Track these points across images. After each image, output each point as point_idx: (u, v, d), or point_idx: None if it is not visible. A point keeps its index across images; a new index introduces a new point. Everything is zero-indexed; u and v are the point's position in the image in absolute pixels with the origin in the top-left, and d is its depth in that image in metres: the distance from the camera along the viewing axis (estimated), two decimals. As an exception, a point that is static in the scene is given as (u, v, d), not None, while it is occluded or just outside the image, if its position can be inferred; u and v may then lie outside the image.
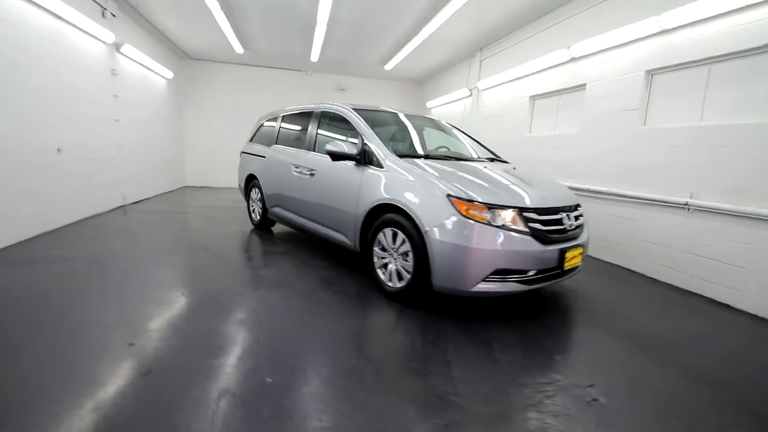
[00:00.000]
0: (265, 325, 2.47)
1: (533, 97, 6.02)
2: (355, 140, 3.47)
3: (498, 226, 2.54)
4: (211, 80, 9.79)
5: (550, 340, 2.55)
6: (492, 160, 3.90)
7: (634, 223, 4.16)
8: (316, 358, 2.11)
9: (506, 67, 6.55)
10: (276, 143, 4.82)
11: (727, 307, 3.30)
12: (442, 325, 2.62)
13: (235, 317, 2.55)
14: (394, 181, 2.99)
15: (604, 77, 4.61)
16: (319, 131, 4.08)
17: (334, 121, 4.03)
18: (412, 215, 2.73)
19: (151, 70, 7.39)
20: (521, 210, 2.63)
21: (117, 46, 5.88)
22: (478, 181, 2.84)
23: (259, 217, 5.21)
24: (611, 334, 2.68)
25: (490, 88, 7.13)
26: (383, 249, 3.08)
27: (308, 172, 3.94)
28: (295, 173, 4.16)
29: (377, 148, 3.26)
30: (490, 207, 2.57)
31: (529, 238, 2.60)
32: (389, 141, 4.19)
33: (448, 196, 2.63)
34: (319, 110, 4.17)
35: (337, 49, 8.00)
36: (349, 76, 10.43)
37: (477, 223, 2.53)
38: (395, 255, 2.96)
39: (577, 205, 3.11)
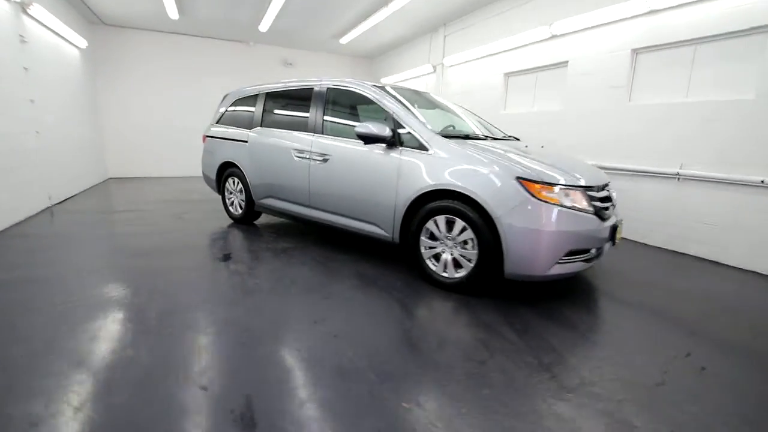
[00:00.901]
0: (348, 340, 2.17)
1: (508, 74, 6.12)
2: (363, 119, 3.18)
3: (569, 207, 2.51)
4: (133, 51, 8.27)
5: (616, 310, 2.64)
6: (501, 138, 3.86)
7: (624, 193, 4.51)
8: (430, 373, 1.90)
9: (476, 43, 6.54)
10: (261, 125, 4.23)
11: (716, 263, 3.76)
12: (518, 312, 2.55)
13: (298, 344, 2.20)
14: (447, 164, 2.78)
15: (588, 55, 4.82)
16: (328, 111, 3.65)
17: (345, 98, 3.63)
18: (480, 201, 2.57)
19: (63, 37, 5.97)
20: (585, 189, 2.63)
21: (24, 6, 4.58)
22: (532, 161, 2.77)
23: (241, 211, 4.60)
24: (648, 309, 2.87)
25: (459, 64, 7.09)
26: (432, 238, 2.89)
27: (319, 158, 3.52)
28: (297, 159, 3.70)
29: (419, 128, 3.00)
30: (562, 187, 2.53)
31: (592, 216, 2.62)
32: (351, 119, 3.89)
33: (518, 178, 2.52)
34: (323, 87, 3.71)
35: (292, 20, 7.26)
36: (297, 49, 9.61)
37: (551, 204, 2.47)
38: (450, 244, 2.80)
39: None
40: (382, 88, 3.41)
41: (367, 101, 3.38)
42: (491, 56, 6.31)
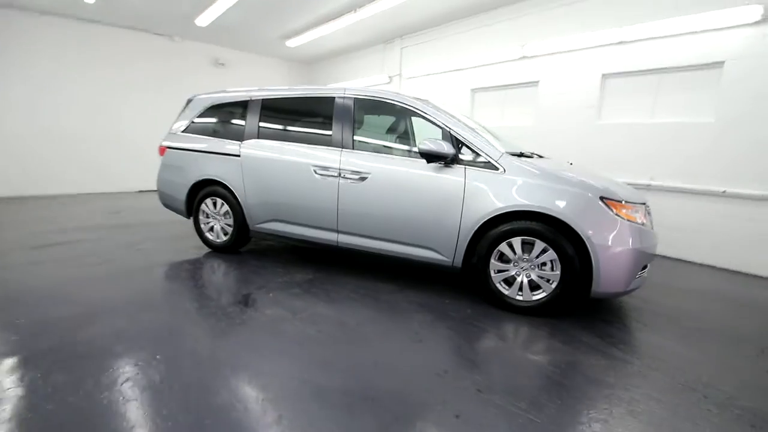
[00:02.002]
0: (492, 389, 1.88)
1: (475, 90, 6.35)
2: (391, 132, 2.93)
3: (641, 224, 2.63)
4: (18, 39, 6.39)
5: (670, 317, 2.84)
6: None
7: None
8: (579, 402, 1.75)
9: (441, 57, 6.66)
10: (258, 137, 3.59)
11: (685, 261, 4.39)
12: (604, 329, 2.57)
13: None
14: (525, 184, 2.67)
15: (560, 76, 5.24)
16: (359, 125, 3.25)
17: (380, 111, 3.28)
18: (569, 222, 2.51)
19: None
20: (644, 205, 2.79)
21: None
22: (601, 180, 2.81)
23: (225, 237, 3.83)
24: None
25: (420, 76, 7.13)
26: (501, 260, 2.76)
27: (354, 177, 3.10)
28: (320, 177, 3.21)
29: (485, 146, 2.83)
30: (635, 205, 2.63)
31: (652, 231, 2.78)
32: (387, 134, 3.72)
33: (602, 198, 2.55)
34: (348, 97, 3.29)
35: (242, 15, 6.42)
36: (231, 48, 8.59)
37: (631, 223, 2.55)
38: (527, 266, 2.70)
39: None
40: (425, 101, 3.18)
41: (408, 114, 3.12)
42: (458, 71, 6.47)
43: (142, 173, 7.87)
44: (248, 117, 3.67)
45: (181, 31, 7.48)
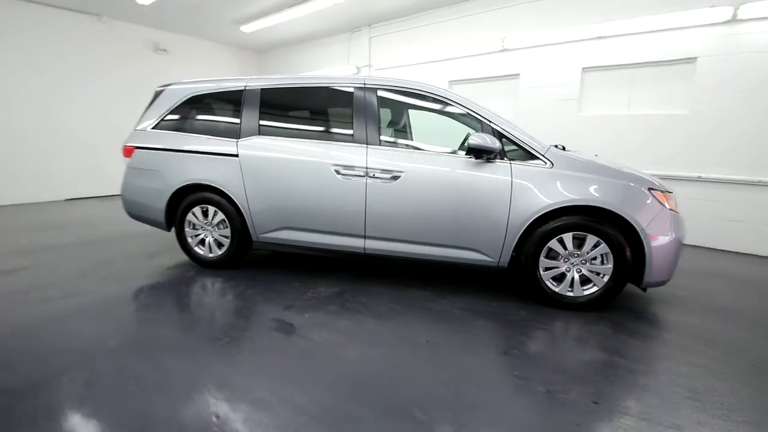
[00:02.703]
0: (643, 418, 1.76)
1: (452, 82, 6.27)
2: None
3: (677, 212, 2.71)
4: None
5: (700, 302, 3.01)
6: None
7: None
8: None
9: (415, 48, 6.47)
10: (259, 134, 3.10)
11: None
12: (662, 322, 2.62)
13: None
14: (575, 178, 2.60)
15: (540, 69, 5.35)
16: (386, 118, 2.95)
17: (408, 104, 2.99)
18: (623, 214, 2.49)
19: None
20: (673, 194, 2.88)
21: None
22: (638, 171, 2.83)
23: (220, 251, 3.30)
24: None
25: (393, 68, 6.87)
26: (551, 258, 2.68)
27: (384, 176, 2.80)
28: (343, 178, 2.86)
29: (529, 139, 2.70)
30: (671, 194, 2.69)
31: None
32: (387, 127, 3.50)
33: (650, 189, 2.57)
34: (370, 88, 2.95)
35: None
36: (172, 32, 7.54)
37: (673, 212, 2.61)
38: (578, 261, 2.65)
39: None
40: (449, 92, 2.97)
41: (441, 106, 2.89)
42: (434, 62, 6.34)
43: (70, 176, 6.67)
44: (245, 110, 3.16)
45: (112, 11, 6.37)
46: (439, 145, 2.94)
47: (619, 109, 4.92)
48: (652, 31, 4.49)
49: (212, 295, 2.86)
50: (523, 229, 2.65)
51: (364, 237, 2.96)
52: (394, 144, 3.02)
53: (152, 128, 3.40)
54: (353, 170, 2.86)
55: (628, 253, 2.54)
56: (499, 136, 2.72)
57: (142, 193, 3.41)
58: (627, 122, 4.82)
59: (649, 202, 2.54)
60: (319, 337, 2.26)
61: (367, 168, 2.84)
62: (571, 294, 2.70)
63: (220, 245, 3.33)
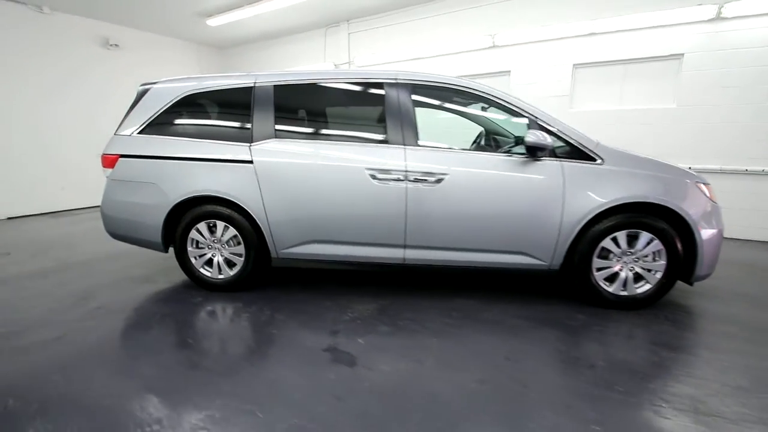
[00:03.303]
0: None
1: (439, 79, 6.13)
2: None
3: (717, 204, 2.73)
4: None
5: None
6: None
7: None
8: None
9: (399, 45, 6.26)
10: (275, 137, 2.73)
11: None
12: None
13: None
14: (628, 175, 2.52)
15: (532, 66, 5.36)
16: (423, 116, 2.69)
17: (444, 99, 2.78)
18: (678, 210, 2.45)
19: None
20: None
21: None
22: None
23: (232, 272, 2.88)
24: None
25: (376, 65, 6.59)
26: (603, 257, 2.60)
27: (427, 179, 2.56)
28: (379, 183, 2.59)
29: (579, 135, 2.59)
30: (710, 186, 2.71)
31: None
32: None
33: (697, 183, 2.56)
34: (404, 83, 2.69)
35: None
36: (126, 26, 6.69)
37: (716, 204, 2.62)
38: (630, 259, 2.58)
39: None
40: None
41: (481, 102, 2.71)
42: (420, 59, 6.16)
43: (7, 191, 5.71)
44: (256, 111, 2.77)
45: (56, 1, 5.50)
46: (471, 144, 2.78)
47: (611, 104, 5.04)
48: (642, 29, 4.63)
49: (237, 325, 2.46)
50: (578, 230, 2.54)
51: (404, 246, 2.70)
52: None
53: (139, 133, 2.89)
54: (391, 174, 2.59)
55: (680, 249, 2.51)
56: (546, 132, 2.59)
57: (130, 209, 2.89)
58: (618, 117, 4.95)
59: (698, 195, 2.53)
60: (388, 365, 1.98)
61: (406, 171, 2.58)
62: (624, 293, 2.63)
63: (231, 265, 2.90)
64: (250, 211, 2.72)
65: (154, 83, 2.98)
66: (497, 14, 5.43)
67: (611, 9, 4.73)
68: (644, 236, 2.53)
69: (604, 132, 4.88)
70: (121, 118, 2.98)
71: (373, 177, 2.60)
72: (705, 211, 2.52)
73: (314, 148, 2.72)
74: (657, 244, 2.53)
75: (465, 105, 3.05)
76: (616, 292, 2.63)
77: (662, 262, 2.55)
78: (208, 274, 2.93)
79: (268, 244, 2.80)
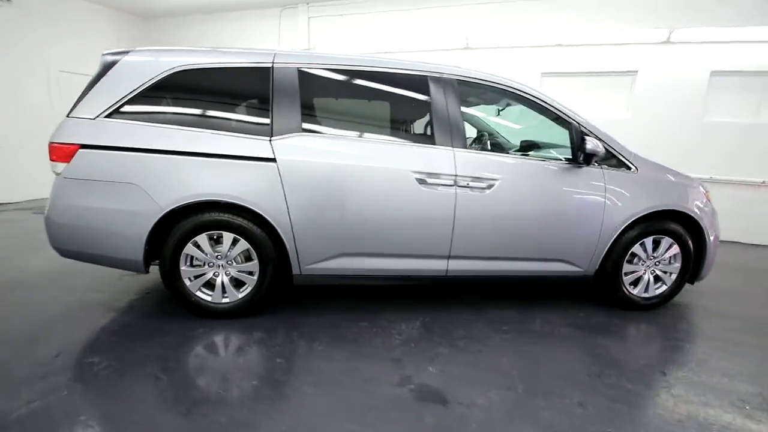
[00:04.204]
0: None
1: (409, 76, 5.94)
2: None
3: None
4: None
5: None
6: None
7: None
8: None
9: (366, 34, 5.92)
10: (302, 130, 2.27)
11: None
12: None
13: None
14: (657, 183, 2.64)
15: (502, 71, 5.46)
16: (472, 116, 2.48)
17: (489, 99, 2.60)
18: (694, 215, 2.63)
19: None
20: None
21: None
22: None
23: (243, 293, 2.35)
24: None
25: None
26: (629, 262, 2.69)
27: (478, 185, 2.37)
28: (427, 189, 2.32)
29: (615, 143, 2.62)
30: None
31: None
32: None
33: (704, 190, 2.78)
34: (450, 78, 2.44)
35: None
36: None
37: (714, 209, 2.90)
38: (652, 263, 2.72)
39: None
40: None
41: (529, 105, 2.60)
42: (389, 54, 5.89)
43: None
44: (276, 98, 2.28)
45: None
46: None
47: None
48: (603, 44, 5.03)
49: (271, 363, 1.98)
50: (615, 236, 2.59)
51: (448, 257, 2.48)
52: (480, 147, 2.60)
53: (107, 116, 2.18)
54: (439, 178, 2.34)
55: (692, 252, 2.73)
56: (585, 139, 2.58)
57: (94, 217, 2.18)
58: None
59: (707, 202, 2.77)
60: (480, 397, 1.76)
61: (456, 175, 2.36)
62: (646, 295, 2.77)
63: (238, 285, 2.37)
64: (270, 220, 2.24)
65: (125, 52, 2.28)
66: (472, 17, 5.44)
67: (578, 22, 5.04)
68: (666, 241, 2.69)
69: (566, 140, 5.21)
70: (80, 95, 2.22)
71: (421, 181, 2.32)
72: (711, 215, 2.76)
73: (351, 146, 2.34)
74: (675, 248, 2.71)
75: (506, 105, 2.93)
76: (639, 295, 2.77)
77: (677, 265, 2.74)
78: (208, 298, 2.34)
79: (291, 260, 2.34)
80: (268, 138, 2.24)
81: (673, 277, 2.76)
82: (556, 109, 2.60)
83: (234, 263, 2.33)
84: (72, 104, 2.24)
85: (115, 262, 2.30)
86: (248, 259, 2.33)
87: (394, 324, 2.43)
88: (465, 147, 2.43)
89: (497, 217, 2.46)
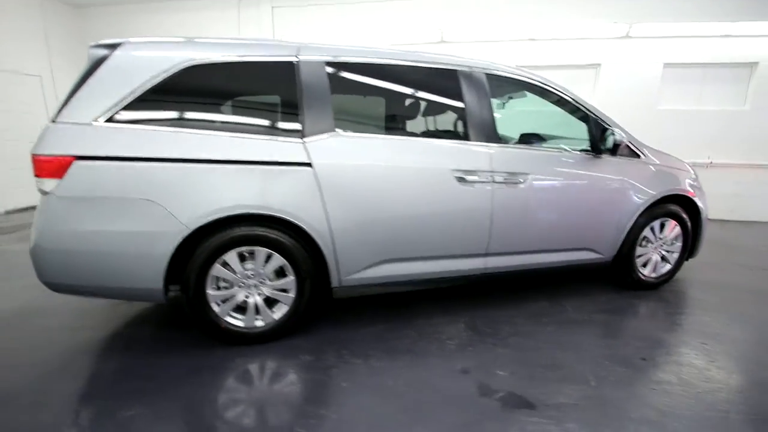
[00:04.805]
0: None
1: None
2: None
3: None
4: None
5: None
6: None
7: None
8: None
9: (335, 27, 5.67)
10: (334, 130, 2.07)
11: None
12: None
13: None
14: (664, 170, 2.81)
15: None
16: (498, 109, 2.43)
17: (509, 92, 2.55)
18: (695, 199, 2.85)
19: None
20: None
21: None
22: None
23: (278, 313, 2.12)
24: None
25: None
26: (641, 245, 2.86)
27: (514, 179, 2.35)
28: (465, 186, 2.26)
29: (626, 134, 2.73)
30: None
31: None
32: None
33: (695, 173, 3.02)
34: (478, 72, 2.38)
35: None
36: None
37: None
38: (658, 245, 2.90)
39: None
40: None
41: (549, 98, 2.62)
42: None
43: None
44: (306, 95, 2.06)
45: None
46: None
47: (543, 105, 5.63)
48: (572, 39, 5.29)
49: (338, 390, 1.80)
50: (632, 222, 2.72)
51: (485, 255, 2.44)
52: (507, 140, 2.57)
53: (107, 120, 1.83)
54: (477, 175, 2.29)
55: (689, 231, 2.96)
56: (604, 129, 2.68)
57: (102, 242, 1.83)
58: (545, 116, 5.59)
59: (700, 185, 3.01)
60: (565, 397, 1.74)
61: (492, 172, 2.32)
62: (654, 275, 2.96)
63: (271, 304, 2.13)
64: (309, 230, 2.03)
65: (117, 44, 1.92)
66: (447, 8, 5.43)
67: (550, 17, 5.24)
68: (671, 223, 2.89)
69: (534, 127, 5.43)
70: (65, 96, 1.83)
71: (461, 180, 2.25)
72: (702, 196, 3.01)
73: (387, 146, 2.20)
74: (677, 229, 2.92)
75: (508, 99, 2.94)
76: (649, 275, 2.95)
77: (679, 245, 2.96)
78: (240, 323, 2.08)
79: (330, 271, 2.15)
80: (300, 140, 2.03)
81: (675, 255, 2.98)
82: (577, 101, 2.66)
83: (267, 281, 2.10)
84: (57, 107, 1.85)
85: (127, 293, 1.96)
86: (280, 275, 2.11)
87: (439, 328, 2.35)
88: (497, 142, 2.40)
89: (530, 211, 2.47)
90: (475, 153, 2.32)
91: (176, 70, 1.92)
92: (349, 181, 2.09)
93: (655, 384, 1.84)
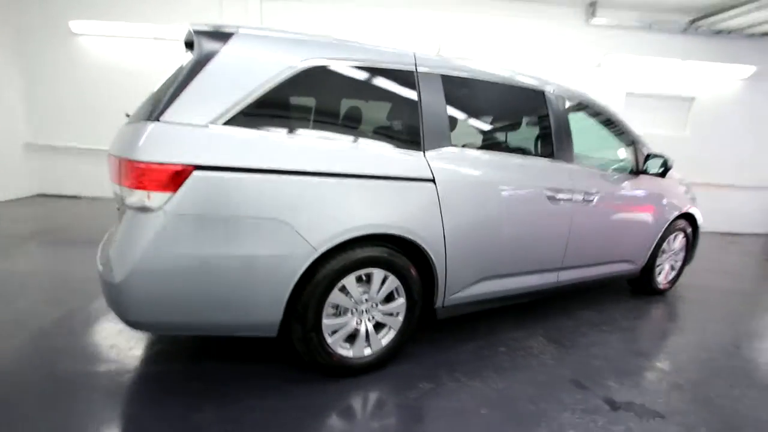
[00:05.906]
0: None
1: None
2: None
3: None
4: None
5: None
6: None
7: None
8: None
9: (329, 26, 5.42)
10: (450, 144, 2.00)
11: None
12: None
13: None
14: (678, 186, 3.22)
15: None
16: (572, 131, 2.52)
17: (574, 115, 2.66)
18: (695, 215, 3.30)
19: None
20: None
21: None
22: None
23: (389, 339, 1.98)
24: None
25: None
26: (660, 256, 3.23)
27: (588, 198, 2.50)
28: (554, 205, 2.35)
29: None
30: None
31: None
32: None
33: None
34: (556, 95, 2.47)
35: None
36: None
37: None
38: (669, 255, 3.30)
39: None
40: None
41: (600, 119, 2.81)
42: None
43: None
44: (425, 106, 1.95)
45: None
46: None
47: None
48: (553, 64, 5.76)
49: (483, 421, 1.73)
50: (660, 235, 3.06)
51: (559, 269, 2.57)
52: (588, 160, 2.72)
53: (226, 123, 1.53)
54: (563, 194, 2.39)
55: (690, 241, 3.42)
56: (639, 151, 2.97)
57: (220, 269, 1.53)
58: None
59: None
60: (680, 401, 1.91)
61: (573, 190, 2.44)
62: (666, 282, 3.37)
63: (378, 331, 1.97)
64: (428, 251, 1.93)
65: (228, 34, 1.62)
66: (445, 20, 5.53)
67: (537, 42, 5.65)
68: (679, 235, 3.31)
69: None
70: (164, 90, 1.49)
71: (550, 198, 2.33)
72: (698, 210, 3.50)
73: (493, 162, 2.18)
74: (683, 240, 3.36)
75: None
76: (662, 282, 3.35)
77: (683, 254, 3.42)
78: (349, 353, 1.89)
79: (437, 292, 2.06)
80: (421, 152, 1.92)
81: (679, 264, 3.43)
82: (625, 126, 2.91)
83: (378, 306, 1.94)
84: (152, 102, 1.50)
85: (237, 328, 1.67)
86: (389, 298, 1.97)
87: (522, 342, 2.40)
88: (574, 161, 2.53)
89: (595, 227, 2.66)
90: (561, 171, 2.43)
91: (303, 68, 1.68)
92: (462, 198, 2.03)
93: (731, 386, 2.10)
